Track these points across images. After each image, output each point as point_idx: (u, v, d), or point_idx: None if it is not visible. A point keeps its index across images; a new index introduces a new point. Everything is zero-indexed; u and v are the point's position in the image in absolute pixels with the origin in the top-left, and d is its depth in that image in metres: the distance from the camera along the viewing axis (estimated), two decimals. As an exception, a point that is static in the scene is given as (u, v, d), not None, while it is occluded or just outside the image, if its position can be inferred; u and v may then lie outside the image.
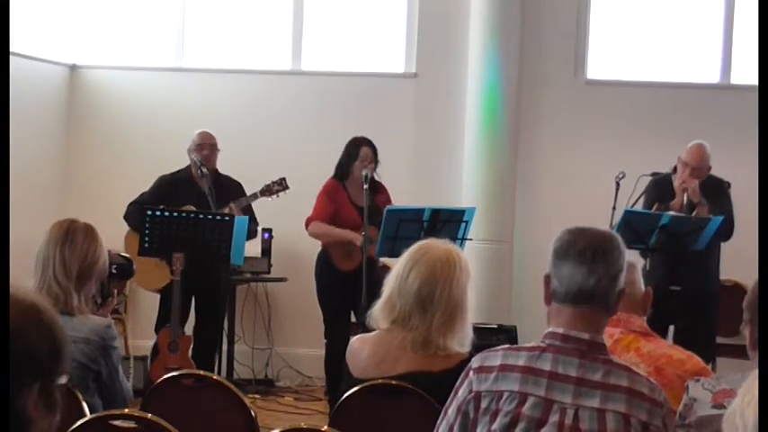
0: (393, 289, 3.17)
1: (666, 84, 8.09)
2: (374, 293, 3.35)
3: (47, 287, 3.41)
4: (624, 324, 3.22)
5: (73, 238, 3.46)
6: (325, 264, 6.65)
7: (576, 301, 2.49)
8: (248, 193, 6.81)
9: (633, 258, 3.29)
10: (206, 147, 6.79)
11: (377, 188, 6.63)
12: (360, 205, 6.41)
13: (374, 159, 6.59)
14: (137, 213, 6.56)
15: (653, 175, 6.70)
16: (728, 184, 6.55)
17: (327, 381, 6.76)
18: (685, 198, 6.29)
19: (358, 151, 6.57)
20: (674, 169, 6.56)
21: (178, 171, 6.87)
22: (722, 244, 6.49)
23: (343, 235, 6.49)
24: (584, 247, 2.49)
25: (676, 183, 6.43)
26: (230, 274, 7.08)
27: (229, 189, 6.77)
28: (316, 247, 6.75)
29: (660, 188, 6.53)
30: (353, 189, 6.56)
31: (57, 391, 1.59)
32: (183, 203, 6.53)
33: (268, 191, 6.81)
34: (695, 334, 6.01)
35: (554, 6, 8.05)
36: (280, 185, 6.84)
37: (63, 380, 1.60)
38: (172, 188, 6.74)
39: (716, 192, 6.44)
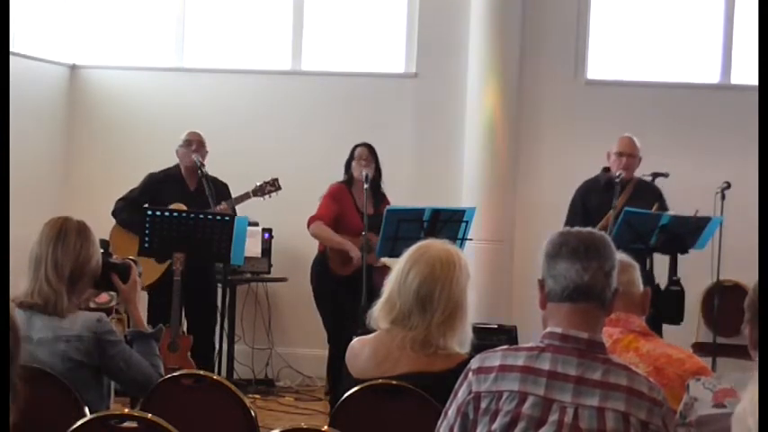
0: (393, 288, 3.17)
1: (666, 84, 8.09)
2: (373, 297, 3.35)
3: (38, 288, 3.40)
4: (623, 324, 3.22)
5: (66, 237, 3.44)
6: (321, 268, 6.64)
7: (572, 299, 2.50)
8: (237, 194, 6.76)
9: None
10: (194, 143, 6.76)
11: (380, 198, 6.64)
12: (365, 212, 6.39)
13: (371, 159, 6.61)
14: (125, 210, 6.59)
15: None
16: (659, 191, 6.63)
17: (330, 383, 6.76)
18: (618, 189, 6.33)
19: (353, 152, 6.64)
20: (605, 169, 6.62)
21: (168, 169, 6.84)
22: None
23: (341, 244, 6.49)
24: (577, 245, 2.52)
25: (614, 170, 6.45)
26: (229, 272, 7.08)
27: (216, 190, 6.69)
28: (315, 247, 6.74)
29: (589, 190, 6.60)
30: (359, 195, 6.56)
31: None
32: (170, 202, 6.51)
33: (260, 191, 6.78)
34: None
35: (554, 6, 8.05)
36: (272, 186, 6.81)
37: None
38: (160, 186, 6.72)
39: (652, 193, 6.54)
